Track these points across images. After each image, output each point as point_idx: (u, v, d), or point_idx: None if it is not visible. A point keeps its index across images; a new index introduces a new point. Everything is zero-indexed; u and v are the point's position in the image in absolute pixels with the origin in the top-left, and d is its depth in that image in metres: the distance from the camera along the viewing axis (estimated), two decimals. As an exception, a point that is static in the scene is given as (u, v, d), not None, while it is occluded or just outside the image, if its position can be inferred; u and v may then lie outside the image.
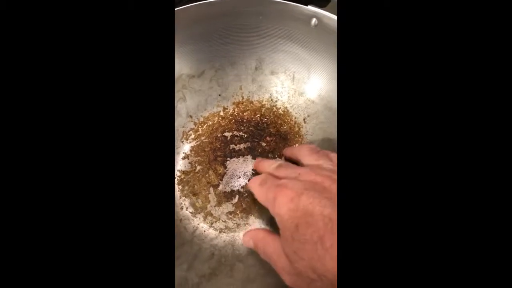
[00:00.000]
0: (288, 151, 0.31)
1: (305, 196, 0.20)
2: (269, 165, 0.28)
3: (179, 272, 0.27)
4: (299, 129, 0.34)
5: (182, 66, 0.33)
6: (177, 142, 0.34)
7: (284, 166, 0.26)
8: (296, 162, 0.28)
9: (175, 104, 0.34)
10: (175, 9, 0.28)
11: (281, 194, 0.22)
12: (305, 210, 0.20)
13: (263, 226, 0.31)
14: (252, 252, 0.30)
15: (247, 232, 0.26)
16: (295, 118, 0.35)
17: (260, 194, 0.25)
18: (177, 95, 0.34)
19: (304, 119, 0.35)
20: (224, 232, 0.31)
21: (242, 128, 0.35)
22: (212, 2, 0.29)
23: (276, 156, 0.34)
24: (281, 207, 0.21)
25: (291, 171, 0.24)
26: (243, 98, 0.35)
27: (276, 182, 0.23)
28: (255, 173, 0.33)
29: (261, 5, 0.30)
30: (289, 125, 0.35)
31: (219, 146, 0.34)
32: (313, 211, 0.19)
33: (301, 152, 0.27)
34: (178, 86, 0.33)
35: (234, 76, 0.35)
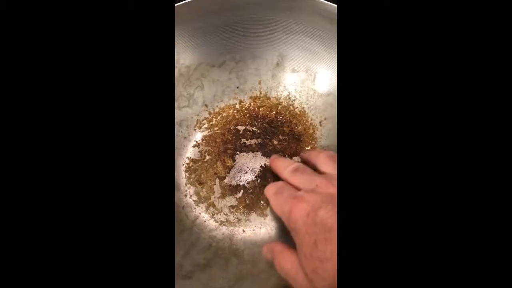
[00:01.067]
0: (305, 155, 0.30)
1: (323, 210, 0.19)
2: (285, 166, 0.27)
3: (175, 258, 0.28)
4: (314, 131, 0.33)
5: (202, 55, 0.33)
6: (190, 130, 0.34)
7: (300, 171, 0.25)
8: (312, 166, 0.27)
9: (192, 92, 0.34)
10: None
11: (297, 207, 0.21)
12: (323, 225, 0.19)
13: (269, 228, 0.31)
14: (249, 250, 0.30)
15: (266, 244, 0.26)
16: (311, 119, 0.34)
17: (276, 204, 0.24)
18: (195, 83, 0.34)
19: (320, 122, 0.33)
20: (224, 225, 0.31)
21: (256, 123, 0.34)
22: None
23: (286, 155, 0.33)
24: (297, 221, 0.20)
25: (308, 179, 0.24)
26: (260, 93, 0.35)
27: (292, 193, 0.23)
28: (264, 169, 0.32)
29: (292, 1, 0.29)
30: (304, 126, 0.34)
31: (230, 139, 0.34)
32: (331, 226, 0.18)
33: (319, 159, 0.26)
34: (196, 74, 0.33)
35: (254, 70, 0.34)
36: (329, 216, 0.19)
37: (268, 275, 0.28)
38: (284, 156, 0.33)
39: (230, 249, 0.30)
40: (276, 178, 0.32)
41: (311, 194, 0.21)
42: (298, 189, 0.24)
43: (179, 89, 0.33)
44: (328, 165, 0.25)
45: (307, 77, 0.34)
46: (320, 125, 0.33)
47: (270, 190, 0.26)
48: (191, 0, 0.29)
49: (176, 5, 0.28)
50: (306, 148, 0.33)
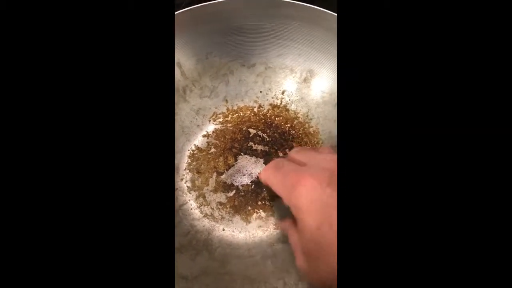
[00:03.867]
0: (299, 152, 0.23)
1: (330, 189, 0.17)
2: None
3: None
4: (322, 155, 0.33)
5: (234, 54, 0.33)
6: (205, 120, 0.35)
7: (304, 149, 0.23)
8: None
9: (216, 85, 0.35)
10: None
11: (301, 182, 0.18)
12: (329, 205, 0.16)
13: (248, 235, 0.31)
14: (222, 249, 0.30)
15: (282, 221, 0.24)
16: (322, 143, 0.33)
17: (275, 179, 0.21)
18: (222, 79, 0.35)
19: (331, 147, 0.33)
20: (207, 218, 0.32)
21: (268, 131, 0.34)
22: (280, 2, 0.28)
23: (287, 171, 0.33)
24: (301, 198, 0.18)
25: (314, 154, 0.21)
26: (281, 103, 0.35)
27: (296, 167, 0.20)
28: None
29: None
30: (314, 147, 0.33)
31: (239, 139, 0.34)
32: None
33: (321, 155, 0.21)
34: (225, 70, 0.34)
35: (281, 79, 0.34)
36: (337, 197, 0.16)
37: (233, 277, 0.28)
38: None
39: (205, 242, 0.30)
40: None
41: (318, 169, 0.18)
42: (302, 164, 0.20)
43: (205, 78, 0.34)
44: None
45: (330, 100, 0.33)
46: (329, 151, 0.33)
47: (268, 166, 0.23)
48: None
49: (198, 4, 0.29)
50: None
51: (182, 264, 0.28)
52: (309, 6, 0.29)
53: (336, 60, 0.31)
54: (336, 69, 0.31)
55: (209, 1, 0.30)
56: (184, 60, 0.33)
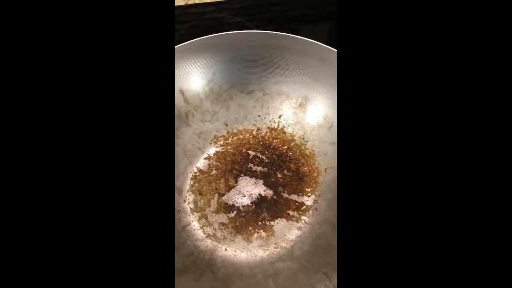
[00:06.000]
0: None
1: None
2: None
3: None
4: (318, 175, 0.35)
5: (234, 80, 0.35)
6: (206, 143, 0.37)
7: None
8: None
9: (217, 110, 0.37)
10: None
11: None
12: None
13: (250, 254, 0.32)
14: (225, 269, 0.31)
15: None
16: (318, 164, 0.35)
17: None
18: (223, 104, 0.37)
19: (325, 169, 0.35)
20: (210, 238, 0.33)
21: (267, 152, 0.36)
22: (275, 35, 0.31)
23: (286, 191, 0.34)
24: None
25: None
26: (278, 126, 0.37)
27: None
28: (261, 198, 0.34)
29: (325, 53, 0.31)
30: (310, 168, 0.35)
31: (239, 160, 0.36)
32: None
33: None
34: (225, 96, 0.36)
35: (278, 104, 0.37)
36: None
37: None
38: (284, 192, 0.34)
39: (208, 262, 0.31)
40: (270, 208, 0.34)
41: None
42: None
43: (206, 104, 0.36)
44: None
45: (324, 124, 0.35)
46: (325, 172, 0.35)
47: None
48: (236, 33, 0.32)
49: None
50: (307, 189, 0.34)
51: (187, 285, 0.29)
52: (301, 38, 0.32)
53: (328, 87, 0.33)
54: (328, 95, 0.34)
55: (211, 33, 0.32)
56: (187, 87, 0.35)
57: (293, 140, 0.36)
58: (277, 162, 0.36)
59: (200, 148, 0.36)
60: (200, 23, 0.44)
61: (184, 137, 0.36)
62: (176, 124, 0.35)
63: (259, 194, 0.34)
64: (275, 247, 0.32)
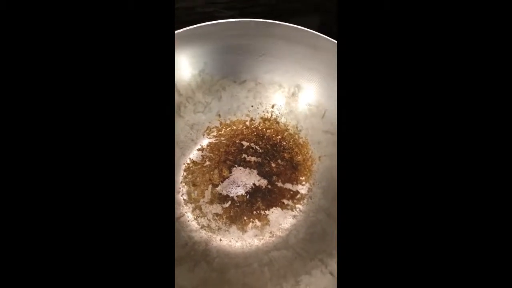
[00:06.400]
0: None
1: None
2: None
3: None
4: (312, 164, 0.35)
5: (227, 70, 0.35)
6: (199, 134, 0.36)
7: None
8: None
9: (209, 101, 0.36)
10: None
11: None
12: None
13: (245, 243, 0.32)
14: (220, 259, 0.31)
15: None
16: (312, 152, 0.35)
17: None
18: (215, 95, 0.36)
19: (319, 157, 0.35)
20: (204, 229, 0.32)
21: (260, 143, 0.36)
22: (267, 23, 0.31)
23: (280, 180, 0.34)
24: None
25: None
26: (271, 116, 0.37)
27: None
28: (255, 187, 0.34)
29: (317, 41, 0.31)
30: (304, 157, 0.35)
31: (232, 151, 0.36)
32: None
33: None
34: (217, 86, 0.36)
35: (271, 94, 0.36)
36: None
37: (231, 286, 0.29)
38: (278, 181, 0.34)
39: (203, 253, 0.31)
40: (264, 197, 0.33)
41: None
42: None
43: (198, 95, 0.36)
44: None
45: (318, 112, 0.35)
46: (319, 160, 0.35)
47: None
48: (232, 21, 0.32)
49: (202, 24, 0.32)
50: (301, 178, 0.34)
51: (182, 276, 0.29)
52: (293, 26, 0.32)
53: (320, 75, 0.33)
54: (321, 83, 0.34)
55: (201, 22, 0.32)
56: (178, 78, 0.34)
57: (286, 129, 0.36)
58: (271, 152, 0.35)
59: (193, 140, 0.36)
60: (190, 18, 0.44)
61: (176, 129, 0.35)
62: (168, 115, 0.34)
63: (253, 184, 0.34)
64: (270, 236, 0.32)
